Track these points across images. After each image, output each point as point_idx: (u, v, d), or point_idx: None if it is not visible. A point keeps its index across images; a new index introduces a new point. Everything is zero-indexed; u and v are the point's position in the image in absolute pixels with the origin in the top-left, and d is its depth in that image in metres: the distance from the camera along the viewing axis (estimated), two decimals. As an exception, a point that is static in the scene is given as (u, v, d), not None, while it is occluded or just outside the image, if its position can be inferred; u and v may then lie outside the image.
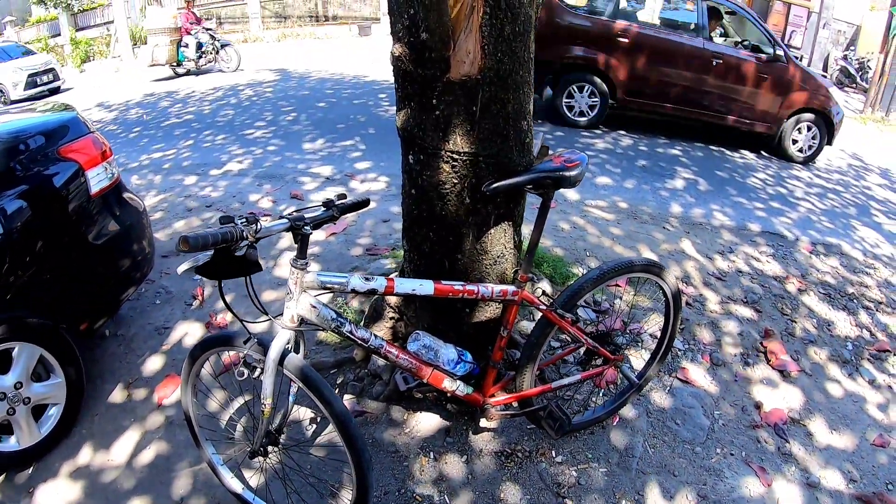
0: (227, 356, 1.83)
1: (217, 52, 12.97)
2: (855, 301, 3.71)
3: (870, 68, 13.89)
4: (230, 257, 1.55)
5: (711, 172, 6.24)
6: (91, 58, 17.92)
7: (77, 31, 18.82)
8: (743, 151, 7.30)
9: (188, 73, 13.12)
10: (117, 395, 2.70)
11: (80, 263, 2.59)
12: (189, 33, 12.88)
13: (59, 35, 18.53)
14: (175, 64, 13.00)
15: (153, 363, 2.88)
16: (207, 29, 13.05)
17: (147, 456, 2.39)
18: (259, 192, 5.01)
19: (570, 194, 5.09)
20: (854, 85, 14.96)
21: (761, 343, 3.14)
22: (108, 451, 2.42)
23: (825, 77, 9.90)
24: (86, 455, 2.41)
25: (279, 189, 5.12)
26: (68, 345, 2.43)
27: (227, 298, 1.75)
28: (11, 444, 2.31)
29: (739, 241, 4.39)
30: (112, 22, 17.49)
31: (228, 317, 3.09)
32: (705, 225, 4.69)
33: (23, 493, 2.26)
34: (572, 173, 1.77)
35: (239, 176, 5.53)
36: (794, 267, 4.05)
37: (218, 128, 7.50)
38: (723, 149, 7.28)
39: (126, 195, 2.95)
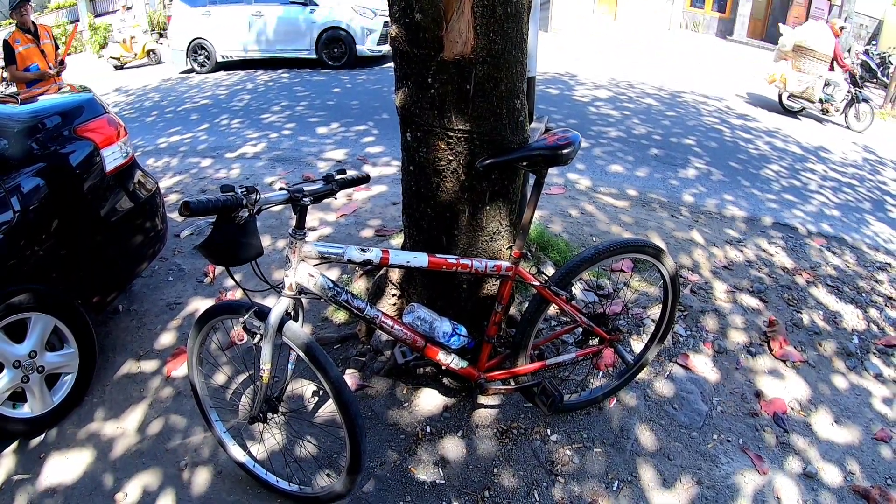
0: (234, 331, 1.90)
1: (850, 104, 9.55)
2: (864, 295, 3.68)
3: (891, 63, 13.64)
4: (231, 227, 1.61)
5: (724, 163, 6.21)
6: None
7: (95, 17, 18.88)
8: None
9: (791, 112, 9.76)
10: (128, 367, 2.78)
11: (94, 239, 2.67)
12: (844, 68, 9.61)
13: (78, 21, 18.53)
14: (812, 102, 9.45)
15: (164, 337, 2.95)
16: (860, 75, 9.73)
17: (155, 425, 2.47)
18: (273, 175, 5.10)
19: (582, 181, 5.10)
20: (875, 80, 14.68)
21: (765, 333, 3.13)
22: (118, 420, 2.50)
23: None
24: (96, 423, 2.50)
25: (292, 172, 5.18)
26: (82, 316, 2.51)
27: (237, 276, 1.82)
28: (25, 411, 2.39)
29: (750, 232, 4.36)
30: (131, 8, 17.61)
31: (238, 293, 3.16)
32: (715, 214, 4.67)
33: (35, 459, 2.34)
34: (564, 151, 1.80)
35: (253, 159, 5.62)
36: (805, 259, 4.02)
37: (233, 112, 7.60)
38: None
39: (140, 174, 3.02)
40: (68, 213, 2.53)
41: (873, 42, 16.07)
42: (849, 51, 15.74)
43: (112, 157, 2.77)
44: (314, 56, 10.68)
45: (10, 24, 18.26)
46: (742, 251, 3.98)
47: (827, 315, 3.39)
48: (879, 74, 14.50)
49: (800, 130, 8.54)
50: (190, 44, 11.31)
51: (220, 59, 11.35)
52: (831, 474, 2.40)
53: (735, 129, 7.75)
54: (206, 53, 11.37)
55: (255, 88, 9.05)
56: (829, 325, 3.30)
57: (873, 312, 3.50)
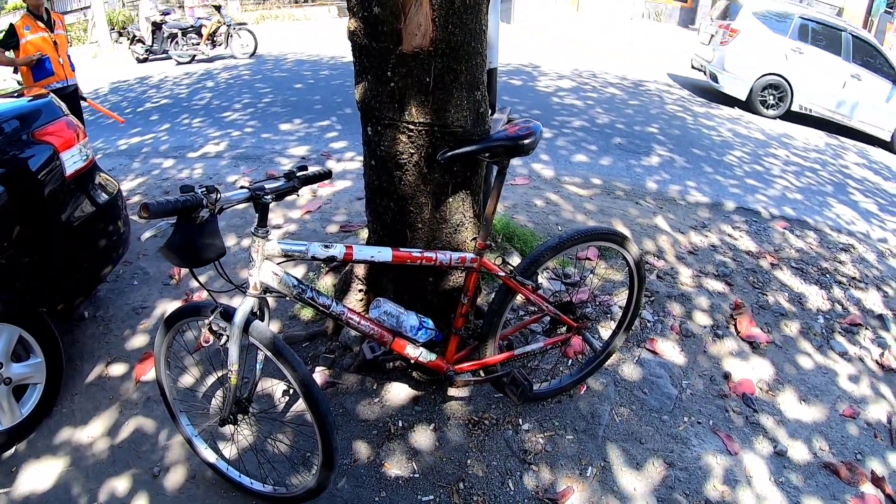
0: (205, 336, 1.88)
1: None
2: (828, 276, 3.76)
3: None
4: (192, 228, 1.58)
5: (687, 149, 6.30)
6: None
7: (55, 16, 18.26)
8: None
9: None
10: (96, 374, 2.72)
11: (56, 245, 2.60)
12: None
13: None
14: None
15: (131, 342, 2.90)
16: None
17: (126, 431, 2.42)
18: (236, 173, 5.03)
19: (546, 171, 5.14)
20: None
21: (732, 315, 3.18)
22: (89, 429, 2.45)
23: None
24: (67, 433, 2.44)
25: (255, 170, 5.12)
26: (47, 325, 2.45)
27: (202, 278, 1.80)
28: (-7, 424, 2.33)
29: (714, 217, 4.43)
30: (89, 7, 17.06)
31: (205, 294, 3.12)
32: (679, 201, 4.74)
33: (6, 473, 2.28)
34: (526, 141, 1.81)
35: (216, 158, 5.53)
36: (768, 243, 4.10)
37: (194, 111, 7.45)
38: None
39: (101, 176, 2.96)
40: (30, 219, 2.47)
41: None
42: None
43: (72, 161, 2.71)
44: (888, 139, 8.99)
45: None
46: (706, 236, 4.05)
47: (792, 296, 3.46)
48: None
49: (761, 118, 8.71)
50: (761, 77, 9.07)
51: (795, 108, 9.16)
52: (801, 452, 2.46)
53: (698, 117, 7.86)
54: (780, 96, 9.18)
55: (217, 86, 8.89)
56: (795, 305, 3.37)
57: (837, 292, 3.58)
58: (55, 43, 5.00)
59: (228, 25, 11.35)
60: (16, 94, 2.95)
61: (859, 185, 6.25)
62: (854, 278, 3.82)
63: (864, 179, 6.51)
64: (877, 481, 2.38)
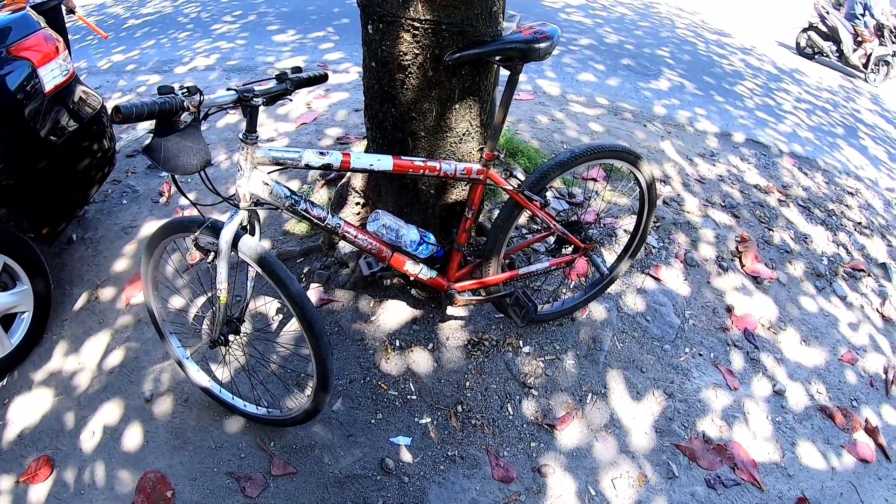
0: (192, 254, 1.78)
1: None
2: (834, 218, 3.68)
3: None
4: (173, 133, 1.44)
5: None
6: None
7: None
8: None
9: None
10: (86, 299, 2.64)
11: (38, 166, 2.47)
12: None
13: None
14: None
15: (121, 263, 2.81)
16: None
17: (117, 357, 2.36)
18: (227, 86, 4.82)
19: (552, 88, 4.96)
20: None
21: (737, 249, 3.11)
22: (79, 355, 2.39)
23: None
24: (57, 361, 2.38)
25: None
26: (32, 251, 2.36)
27: (191, 195, 1.68)
28: (-18, 357, 2.26)
29: (722, 148, 4.30)
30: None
31: (195, 211, 3.02)
32: (688, 127, 4.59)
33: (-2, 406, 2.23)
34: (542, 45, 1.66)
35: (206, 71, 5.29)
36: (776, 178, 3.99)
37: (181, 25, 7.11)
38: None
39: (83, 91, 2.81)
40: (10, 140, 2.33)
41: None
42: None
43: (51, 76, 2.55)
44: None
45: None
46: (714, 165, 3.93)
47: (797, 235, 3.38)
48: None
49: (777, 53, 8.44)
50: None
51: None
52: (798, 393, 2.45)
53: (710, 44, 7.61)
54: None
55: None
56: (800, 244, 3.30)
57: (842, 236, 3.51)
58: None
59: None
60: (-8, 10, 2.76)
61: (870, 131, 6.08)
62: (860, 223, 3.75)
63: (875, 126, 6.34)
64: (870, 431, 2.39)
